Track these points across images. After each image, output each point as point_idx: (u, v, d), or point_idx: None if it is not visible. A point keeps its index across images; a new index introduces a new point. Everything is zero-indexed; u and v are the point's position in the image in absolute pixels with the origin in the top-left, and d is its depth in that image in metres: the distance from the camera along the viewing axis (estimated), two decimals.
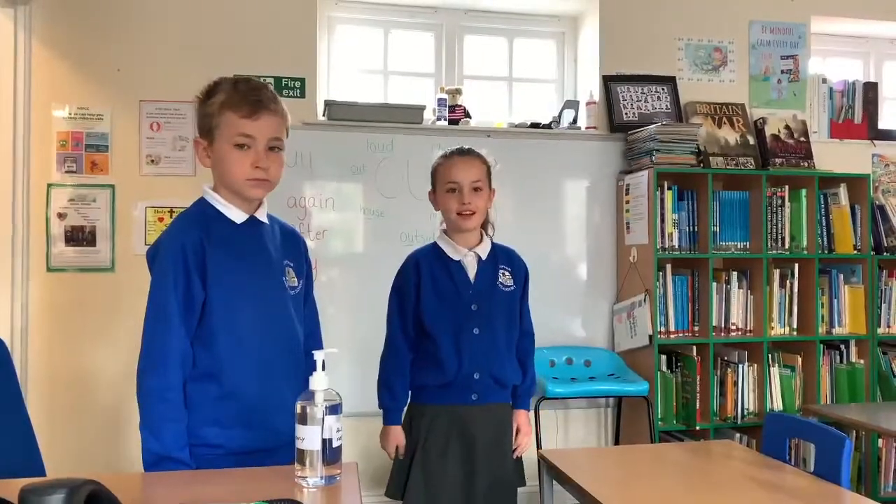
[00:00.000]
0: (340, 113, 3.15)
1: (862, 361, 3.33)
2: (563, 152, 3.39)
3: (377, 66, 3.54)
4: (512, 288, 2.00)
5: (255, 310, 1.51)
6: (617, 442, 3.31)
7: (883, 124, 3.82)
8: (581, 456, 2.22)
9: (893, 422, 2.59)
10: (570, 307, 3.38)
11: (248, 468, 1.40)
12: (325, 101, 3.21)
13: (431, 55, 3.58)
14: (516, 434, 2.01)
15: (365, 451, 3.16)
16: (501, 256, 2.02)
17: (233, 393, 1.47)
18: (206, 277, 1.45)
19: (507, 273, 2.00)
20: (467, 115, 3.35)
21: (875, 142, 3.75)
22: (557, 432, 3.31)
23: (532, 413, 2.89)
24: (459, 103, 3.35)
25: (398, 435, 1.98)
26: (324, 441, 1.28)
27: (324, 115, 3.22)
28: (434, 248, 2.01)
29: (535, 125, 3.38)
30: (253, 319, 1.50)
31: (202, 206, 1.55)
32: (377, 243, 3.19)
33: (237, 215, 1.54)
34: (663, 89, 3.54)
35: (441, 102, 3.31)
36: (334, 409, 1.30)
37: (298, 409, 1.28)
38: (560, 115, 3.45)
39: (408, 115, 3.20)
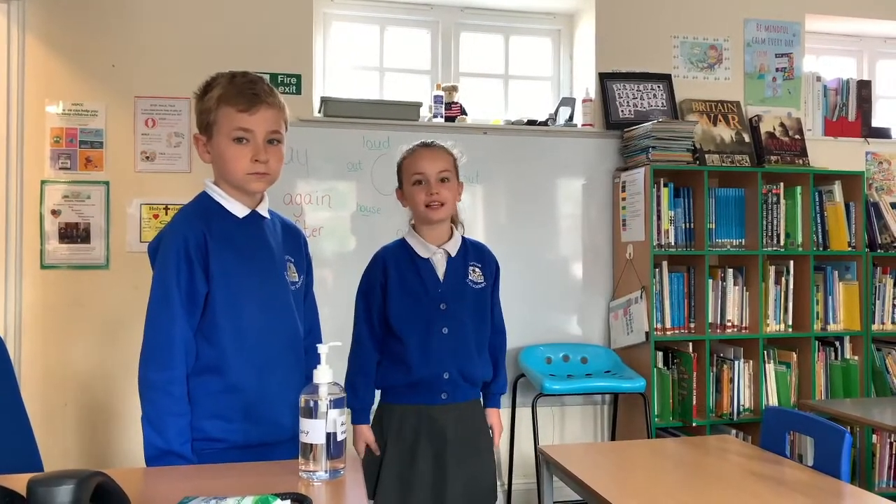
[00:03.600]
0: (336, 109, 3.14)
1: (856, 357, 3.35)
2: (560, 150, 3.39)
3: (373, 64, 3.53)
4: (482, 285, 1.96)
5: (257, 304, 1.50)
6: (613, 438, 3.31)
7: (876, 122, 3.85)
8: (579, 451, 2.22)
9: (887, 417, 2.61)
10: (567, 304, 3.38)
11: (251, 462, 1.40)
12: (321, 97, 3.20)
13: (428, 52, 3.58)
14: (494, 432, 2.01)
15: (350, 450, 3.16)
16: (471, 252, 1.98)
17: (235, 387, 1.46)
18: (208, 271, 1.44)
19: (477, 270, 1.97)
20: (463, 112, 3.35)
21: (869, 139, 3.77)
22: (554, 429, 3.32)
23: (530, 410, 2.94)
24: (456, 100, 3.35)
25: (365, 434, 1.95)
26: (328, 435, 1.28)
27: (320, 111, 3.21)
28: (402, 244, 1.97)
29: (531, 122, 3.38)
30: (255, 314, 1.50)
31: (204, 200, 1.54)
32: (373, 241, 3.13)
33: (239, 210, 1.53)
34: (659, 87, 3.55)
35: (437, 100, 3.30)
36: (338, 403, 1.30)
37: (302, 403, 1.28)
38: (556, 113, 3.45)
39: (404, 112, 3.19)
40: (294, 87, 3.17)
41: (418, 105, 3.23)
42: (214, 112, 1.48)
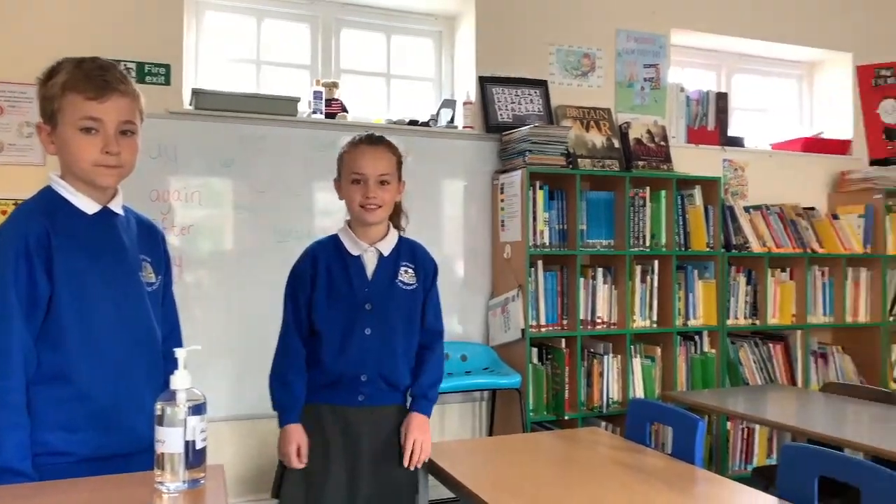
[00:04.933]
0: (209, 102, 3.01)
1: (713, 351, 3.60)
2: (441, 151, 3.42)
3: (249, 56, 3.41)
4: (413, 286, 1.91)
5: (109, 307, 1.41)
6: (491, 434, 3.38)
7: (732, 132, 4.14)
8: (452, 448, 2.25)
9: (740, 405, 2.81)
10: (448, 303, 3.33)
11: (101, 476, 1.30)
12: (193, 89, 3.06)
13: (307, 47, 3.50)
14: (404, 439, 1.86)
15: (243, 453, 3.05)
16: (405, 253, 1.93)
17: (84, 395, 1.36)
18: (52, 271, 1.33)
19: (409, 271, 1.92)
20: (344, 109, 3.31)
21: (725, 147, 4.06)
22: (433, 428, 3.33)
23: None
24: (336, 97, 3.30)
25: (299, 433, 1.82)
26: (186, 443, 1.22)
27: (191, 104, 3.06)
28: (334, 240, 1.91)
29: (413, 122, 3.39)
30: (106, 317, 1.40)
31: (48, 194, 1.42)
32: (248, 240, 3.08)
33: (88, 205, 1.43)
34: (536, 92, 3.66)
35: (317, 95, 3.24)
36: (198, 410, 1.24)
37: (158, 410, 1.21)
38: (438, 114, 3.48)
39: (281, 107, 3.11)
40: (162, 78, 3.01)
41: (296, 100, 3.16)
42: (59, 99, 1.38)
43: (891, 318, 4.03)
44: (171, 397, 1.22)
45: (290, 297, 1.89)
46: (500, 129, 3.50)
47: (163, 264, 1.57)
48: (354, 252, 1.88)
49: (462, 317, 3.44)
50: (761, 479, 2.58)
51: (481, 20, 3.55)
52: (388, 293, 1.88)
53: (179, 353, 1.25)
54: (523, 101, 3.61)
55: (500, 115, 3.54)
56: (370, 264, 1.88)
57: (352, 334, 1.84)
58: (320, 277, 1.86)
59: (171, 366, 1.26)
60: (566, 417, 3.24)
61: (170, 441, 1.20)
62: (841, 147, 4.36)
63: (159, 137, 2.92)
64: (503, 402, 3.32)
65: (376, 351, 1.84)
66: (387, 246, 1.91)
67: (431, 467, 1.92)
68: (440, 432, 3.35)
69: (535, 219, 3.31)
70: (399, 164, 1.92)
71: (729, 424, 3.59)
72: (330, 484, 1.81)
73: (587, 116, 3.70)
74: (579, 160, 3.52)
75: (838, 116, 4.46)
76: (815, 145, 4.30)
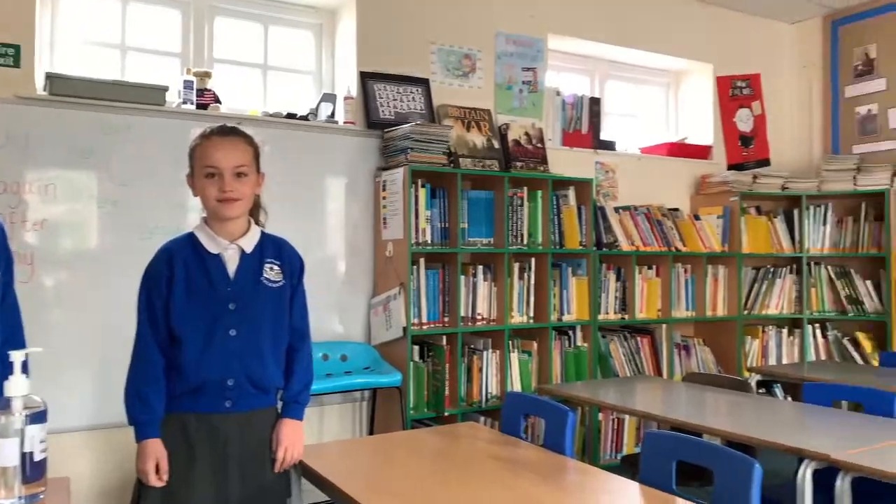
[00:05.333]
0: (65, 88, 2.78)
1: (586, 345, 3.75)
2: (322, 146, 3.35)
3: (114, 41, 3.20)
4: (280, 283, 1.83)
5: None
6: (371, 434, 3.35)
7: (604, 135, 4.33)
8: (330, 449, 2.20)
9: (610, 396, 2.93)
10: (329, 302, 3.35)
11: None
12: (47, 73, 2.82)
13: (178, 34, 3.32)
14: (276, 446, 1.81)
15: (101, 466, 2.85)
16: (270, 249, 1.85)
17: None
18: None
19: (275, 267, 1.83)
20: (217, 100, 3.17)
21: (598, 150, 4.24)
22: (312, 430, 3.26)
23: None
24: (209, 87, 3.15)
25: (157, 448, 1.70)
26: (24, 455, 1.11)
27: (45, 89, 2.83)
28: (190, 238, 1.80)
29: (290, 116, 3.30)
30: None
31: None
32: (111, 237, 2.88)
33: None
34: (418, 90, 3.66)
35: (188, 85, 3.08)
36: (37, 418, 1.13)
37: None
38: (318, 108, 3.40)
39: (147, 96, 2.93)
40: (11, 59, 2.75)
41: (164, 89, 2.99)
42: None
43: (745, 312, 4.36)
44: (6, 405, 1.11)
45: (144, 301, 1.76)
46: (381, 126, 3.47)
47: (2, 262, 1.43)
48: (213, 250, 1.79)
49: (343, 316, 3.39)
50: (629, 466, 2.71)
51: (362, 15, 3.51)
52: (253, 292, 1.79)
53: (15, 357, 1.14)
54: (405, 98, 3.61)
55: (382, 111, 3.51)
56: (231, 262, 1.79)
57: (214, 337, 1.74)
58: (177, 279, 1.75)
59: (7, 371, 1.15)
60: (446, 414, 3.26)
61: (4, 453, 1.09)
62: (702, 152, 4.67)
63: (7, 124, 2.67)
64: (384, 401, 3.30)
65: (242, 353, 1.76)
66: (249, 242, 1.82)
67: (305, 470, 1.87)
68: (319, 434, 3.28)
69: (417, 217, 3.31)
70: (256, 155, 1.84)
71: (600, 415, 3.74)
72: (194, 500, 1.71)
73: (468, 116, 3.74)
74: (461, 159, 3.56)
75: (700, 123, 4.78)
76: (680, 150, 4.57)
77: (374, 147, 3.49)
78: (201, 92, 3.12)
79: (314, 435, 3.26)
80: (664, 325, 4.03)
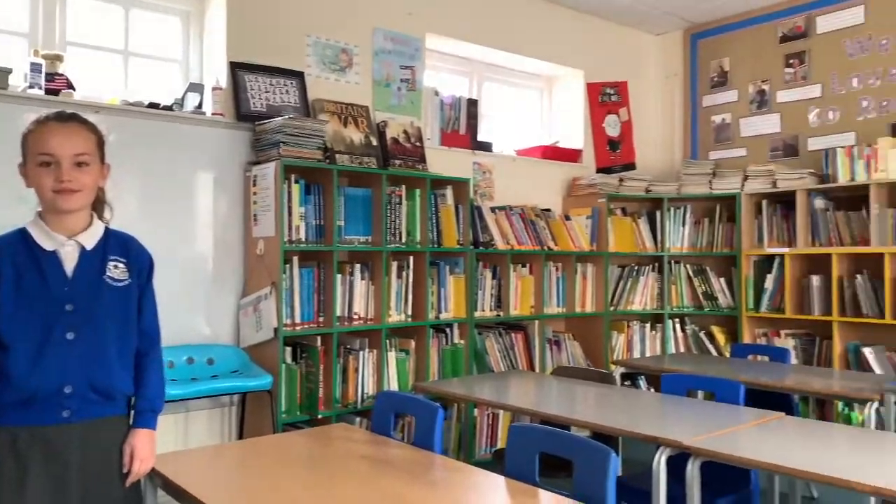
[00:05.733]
0: None
1: (463, 342, 3.79)
2: (188, 138, 3.18)
3: None
4: (126, 282, 1.69)
5: None
6: (241, 439, 3.21)
7: (481, 137, 4.40)
8: (193, 456, 2.09)
9: (485, 392, 2.97)
10: (194, 303, 3.19)
11: None
12: None
13: (26, 13, 3.05)
14: (129, 458, 1.67)
15: None
16: (115, 246, 1.71)
17: None
18: None
19: (120, 265, 1.69)
20: (70, 86, 2.93)
21: (475, 151, 4.30)
22: (177, 437, 3.09)
23: None
24: (60, 71, 2.91)
25: None
26: None
27: None
28: (22, 234, 1.63)
29: (153, 105, 3.11)
30: None
31: None
32: None
33: None
34: (292, 83, 3.56)
35: (35, 68, 2.83)
36: None
37: None
38: (184, 99, 3.23)
39: None
40: None
41: (7, 71, 2.73)
42: None
43: (612, 308, 4.57)
44: None
45: None
46: (252, 119, 3.35)
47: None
48: (48, 247, 1.64)
49: (210, 317, 3.23)
50: (499, 460, 2.76)
51: (234, 2, 3.37)
52: (95, 291, 1.65)
53: None
54: (278, 91, 3.50)
55: (253, 103, 3.39)
56: (69, 260, 1.65)
57: (49, 341, 1.59)
58: (5, 278, 1.59)
59: None
60: (319, 416, 3.19)
61: None
62: (573, 155, 4.85)
63: None
64: (254, 405, 3.18)
65: (83, 358, 1.62)
66: (90, 238, 1.68)
67: (162, 481, 1.76)
68: (184, 441, 3.12)
69: (290, 213, 3.22)
70: (100, 144, 1.70)
71: (476, 411, 3.80)
72: None
73: (345, 112, 3.68)
74: (337, 156, 3.49)
75: (572, 127, 4.96)
76: (553, 153, 4.73)
77: (245, 140, 3.36)
78: (52, 76, 2.87)
79: (179, 442, 3.09)
80: (537, 322, 4.15)
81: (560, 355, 4.33)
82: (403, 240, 3.61)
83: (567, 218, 4.50)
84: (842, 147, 4.14)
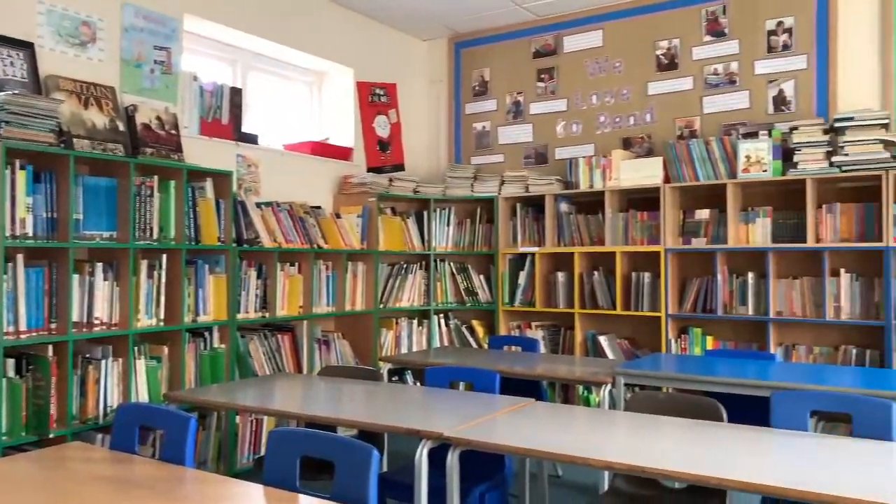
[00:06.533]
0: None
1: (224, 346, 3.57)
2: None
3: None
4: None
5: None
6: None
7: (246, 128, 4.19)
8: None
9: (248, 398, 2.81)
10: None
11: None
12: None
13: None
14: None
15: None
16: None
17: None
18: None
19: None
20: None
21: (239, 143, 4.08)
22: None
23: None
24: None
25: None
26: None
27: None
28: None
29: None
30: None
31: None
32: None
33: None
34: (19, 55, 3.09)
35: None
36: None
37: None
38: None
39: None
40: None
41: None
42: None
43: (381, 306, 4.62)
44: None
45: None
46: None
47: None
48: None
49: None
50: (261, 468, 2.62)
51: None
52: None
53: None
54: (1, 63, 3.01)
55: None
56: None
57: None
58: None
59: None
60: (51, 436, 2.80)
61: None
62: (344, 153, 4.83)
63: None
64: None
65: None
66: None
67: None
68: None
69: (14, 204, 2.77)
70: None
71: (238, 418, 3.60)
72: None
73: (86, 92, 3.28)
74: (75, 140, 3.09)
75: (342, 125, 4.93)
76: (323, 149, 4.66)
77: None
78: None
79: None
80: (305, 322, 4.05)
81: (329, 355, 4.27)
82: (155, 236, 3.30)
83: (338, 216, 4.46)
84: (583, 157, 4.60)
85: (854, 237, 3.77)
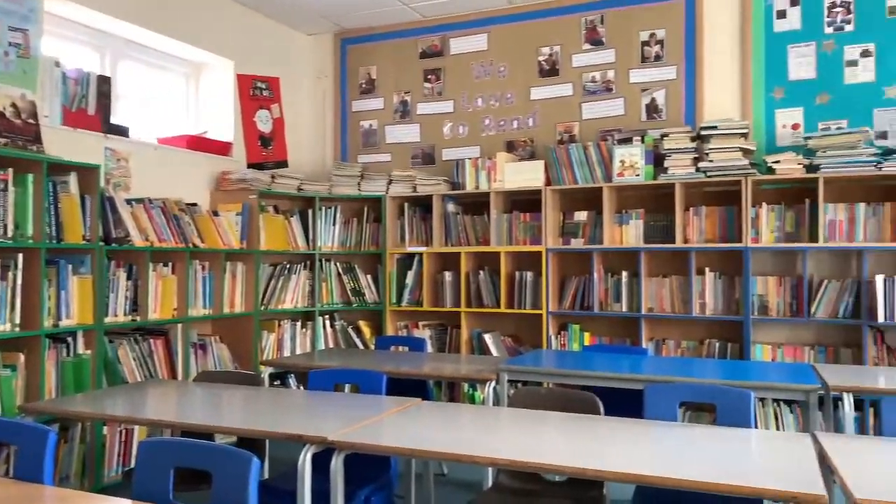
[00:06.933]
0: None
1: (89, 352, 3.33)
2: None
3: None
4: None
5: None
6: None
7: (116, 120, 3.93)
8: None
9: (119, 407, 2.62)
10: None
11: None
12: None
13: None
14: None
15: None
16: None
17: None
18: None
19: None
20: None
21: (108, 135, 3.81)
22: None
23: None
24: None
25: None
26: None
27: None
28: None
29: None
30: None
31: None
32: None
33: None
34: None
35: None
36: None
37: None
38: None
39: None
40: None
41: None
42: None
43: (262, 307, 4.47)
44: None
45: None
46: None
47: None
48: None
49: None
50: (129, 481, 2.46)
51: None
52: None
53: None
54: None
55: None
56: None
57: None
58: None
59: None
60: None
61: None
62: (223, 148, 4.63)
63: None
64: None
65: None
66: None
67: None
68: None
69: None
70: None
71: (106, 429, 3.36)
72: None
73: None
74: None
75: (221, 119, 4.73)
76: (200, 144, 4.45)
77: None
78: None
79: None
80: (180, 325, 3.84)
81: (206, 360, 4.08)
82: (10, 234, 3.02)
83: (215, 214, 4.27)
84: (469, 158, 4.65)
85: (717, 238, 4.05)
